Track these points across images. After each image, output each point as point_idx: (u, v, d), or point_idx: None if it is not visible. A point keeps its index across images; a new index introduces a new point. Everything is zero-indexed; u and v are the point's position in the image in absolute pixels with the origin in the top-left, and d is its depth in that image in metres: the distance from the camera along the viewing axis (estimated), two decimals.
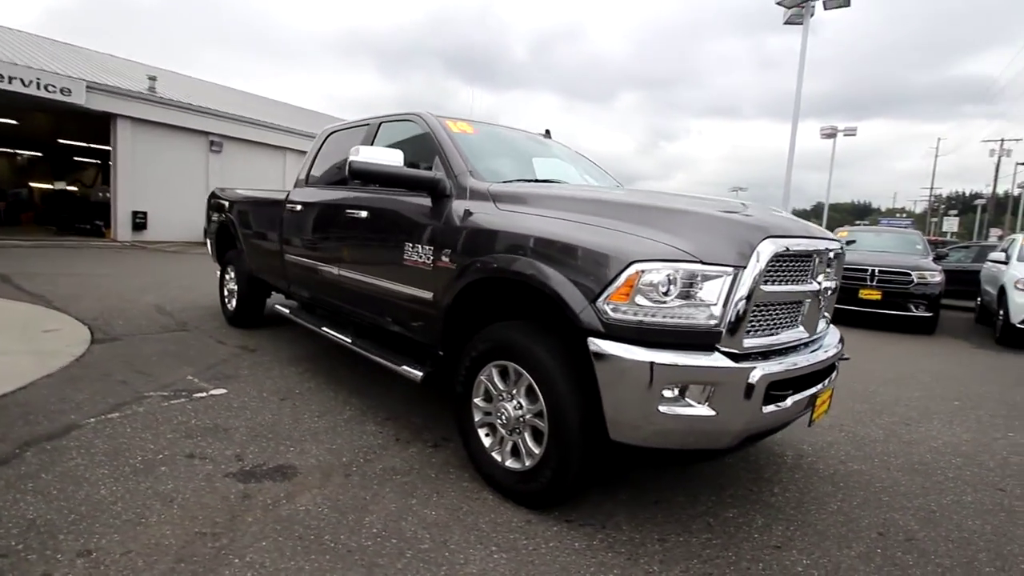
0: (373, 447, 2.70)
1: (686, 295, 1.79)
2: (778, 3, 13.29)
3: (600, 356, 1.82)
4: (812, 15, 13.23)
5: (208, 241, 5.93)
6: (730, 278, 1.79)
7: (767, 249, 1.86)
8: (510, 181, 2.65)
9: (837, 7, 13.08)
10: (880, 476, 2.72)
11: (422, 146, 3.04)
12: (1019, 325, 6.36)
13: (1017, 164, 34.70)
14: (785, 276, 2.00)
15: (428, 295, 2.58)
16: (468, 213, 2.42)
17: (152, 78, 15.91)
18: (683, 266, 1.78)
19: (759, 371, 1.81)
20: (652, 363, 1.75)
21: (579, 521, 2.12)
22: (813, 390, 2.10)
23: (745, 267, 1.81)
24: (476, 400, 2.38)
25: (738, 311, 1.81)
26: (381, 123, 3.36)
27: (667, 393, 1.77)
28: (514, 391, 2.21)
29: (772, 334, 2.01)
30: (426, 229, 2.61)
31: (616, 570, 1.83)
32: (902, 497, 2.51)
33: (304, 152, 23.05)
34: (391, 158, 2.63)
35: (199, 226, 18.01)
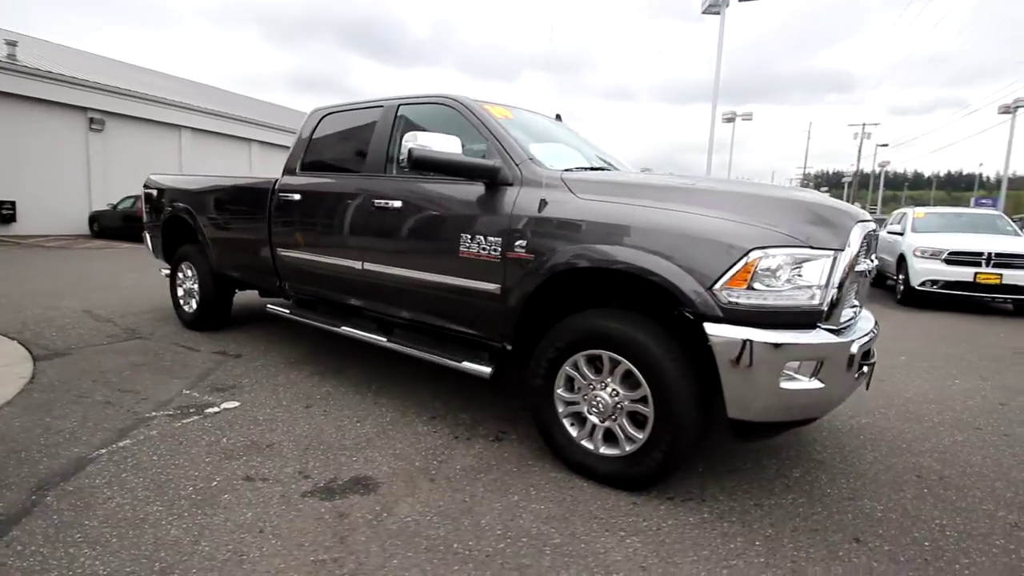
0: (437, 448, 2.60)
1: (796, 278, 1.91)
2: None
3: (721, 340, 1.90)
4: (728, 5, 14.26)
5: (147, 236, 5.22)
6: (830, 260, 1.94)
7: (857, 232, 2.03)
8: (572, 169, 2.62)
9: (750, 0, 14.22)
10: (885, 426, 3.11)
11: (453, 131, 2.91)
12: (919, 287, 7.46)
13: (877, 146, 40.13)
14: (859, 256, 2.19)
15: (494, 287, 2.50)
16: (544, 202, 2.36)
17: (11, 43, 13.40)
18: (795, 251, 1.90)
19: (857, 343, 1.99)
20: (775, 343, 1.86)
21: (679, 498, 2.22)
22: (872, 358, 2.35)
23: (842, 250, 1.96)
24: (559, 391, 2.37)
25: (836, 290, 1.96)
26: (400, 105, 3.14)
27: (787, 371, 1.89)
28: (607, 379, 2.23)
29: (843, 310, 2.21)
30: (488, 219, 2.51)
31: (739, 538, 1.95)
32: (913, 443, 2.89)
33: (204, 131, 21.02)
34: (449, 145, 2.49)
35: (83, 216, 15.70)
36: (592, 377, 2.28)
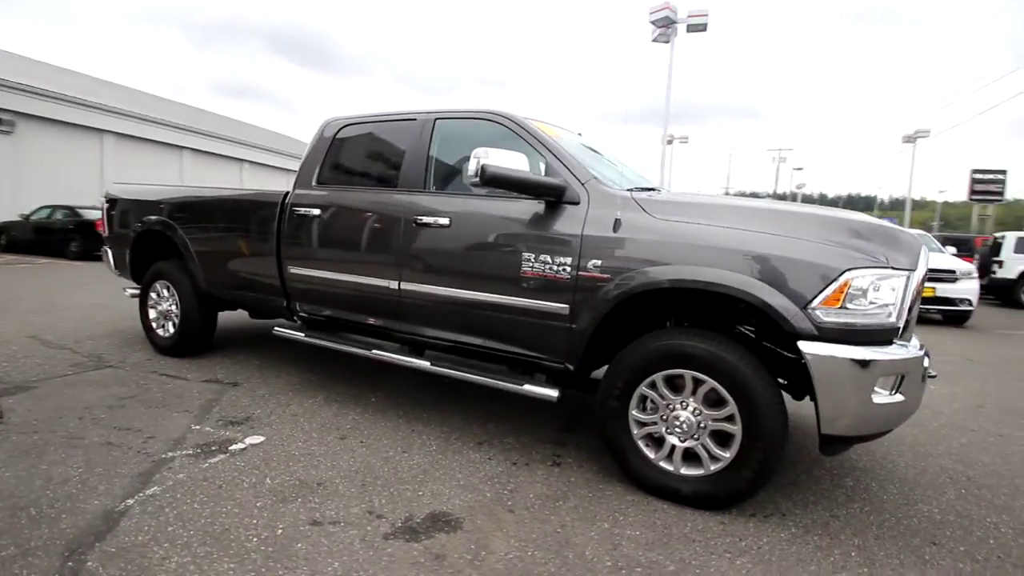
0: (499, 476, 2.49)
1: (880, 297, 2.02)
2: (651, 22, 14.92)
3: (818, 358, 1.96)
4: (676, 35, 15.16)
5: (108, 252, 4.69)
6: (905, 280, 2.06)
7: (924, 254, 2.18)
8: (633, 189, 2.63)
9: (697, 32, 15.18)
10: (898, 432, 3.31)
11: (500, 148, 2.88)
12: None
13: (794, 169, 43.86)
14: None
15: (561, 307, 2.45)
16: (618, 222, 2.35)
17: None
18: (880, 271, 2.00)
19: (926, 357, 2.13)
20: (868, 360, 1.94)
21: (760, 514, 2.25)
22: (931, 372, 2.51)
23: (915, 270, 2.09)
24: (634, 412, 2.35)
25: (909, 308, 2.09)
26: (437, 119, 3.04)
27: (879, 386, 1.98)
28: (689, 399, 2.24)
29: None
30: (555, 238, 2.46)
31: (835, 550, 2.00)
32: (928, 446, 3.12)
33: (130, 136, 19.40)
34: (518, 162, 2.43)
35: None
36: (672, 397, 2.27)
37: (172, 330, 4.21)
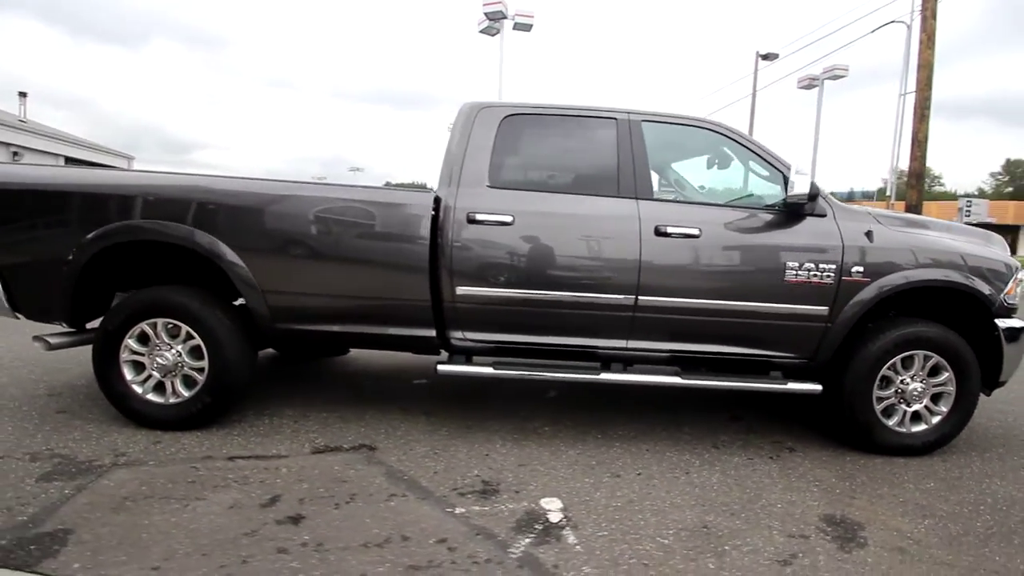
0: (785, 474, 2.67)
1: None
2: (486, 14, 15.15)
3: (1008, 329, 2.81)
4: (502, 29, 15.77)
5: None
6: None
7: None
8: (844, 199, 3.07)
9: (523, 30, 16.08)
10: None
11: (704, 156, 2.97)
12: None
13: None
14: None
15: (822, 309, 2.77)
16: (871, 233, 2.78)
17: None
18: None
19: None
20: None
21: (949, 451, 3.02)
22: None
23: None
24: (876, 391, 2.86)
25: None
26: (643, 121, 2.88)
27: None
28: (918, 373, 2.86)
29: None
30: (819, 247, 2.75)
31: (1006, 460, 2.92)
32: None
33: None
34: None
35: None
36: (906, 374, 2.86)
37: (187, 392, 2.82)
